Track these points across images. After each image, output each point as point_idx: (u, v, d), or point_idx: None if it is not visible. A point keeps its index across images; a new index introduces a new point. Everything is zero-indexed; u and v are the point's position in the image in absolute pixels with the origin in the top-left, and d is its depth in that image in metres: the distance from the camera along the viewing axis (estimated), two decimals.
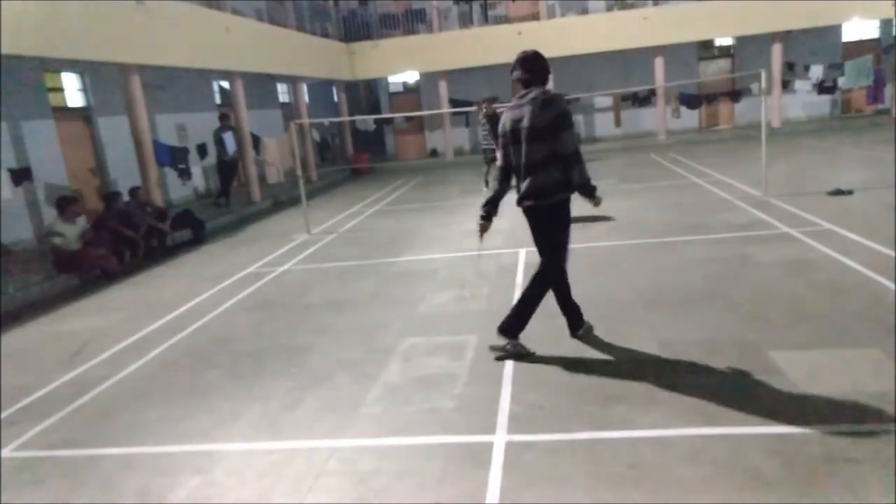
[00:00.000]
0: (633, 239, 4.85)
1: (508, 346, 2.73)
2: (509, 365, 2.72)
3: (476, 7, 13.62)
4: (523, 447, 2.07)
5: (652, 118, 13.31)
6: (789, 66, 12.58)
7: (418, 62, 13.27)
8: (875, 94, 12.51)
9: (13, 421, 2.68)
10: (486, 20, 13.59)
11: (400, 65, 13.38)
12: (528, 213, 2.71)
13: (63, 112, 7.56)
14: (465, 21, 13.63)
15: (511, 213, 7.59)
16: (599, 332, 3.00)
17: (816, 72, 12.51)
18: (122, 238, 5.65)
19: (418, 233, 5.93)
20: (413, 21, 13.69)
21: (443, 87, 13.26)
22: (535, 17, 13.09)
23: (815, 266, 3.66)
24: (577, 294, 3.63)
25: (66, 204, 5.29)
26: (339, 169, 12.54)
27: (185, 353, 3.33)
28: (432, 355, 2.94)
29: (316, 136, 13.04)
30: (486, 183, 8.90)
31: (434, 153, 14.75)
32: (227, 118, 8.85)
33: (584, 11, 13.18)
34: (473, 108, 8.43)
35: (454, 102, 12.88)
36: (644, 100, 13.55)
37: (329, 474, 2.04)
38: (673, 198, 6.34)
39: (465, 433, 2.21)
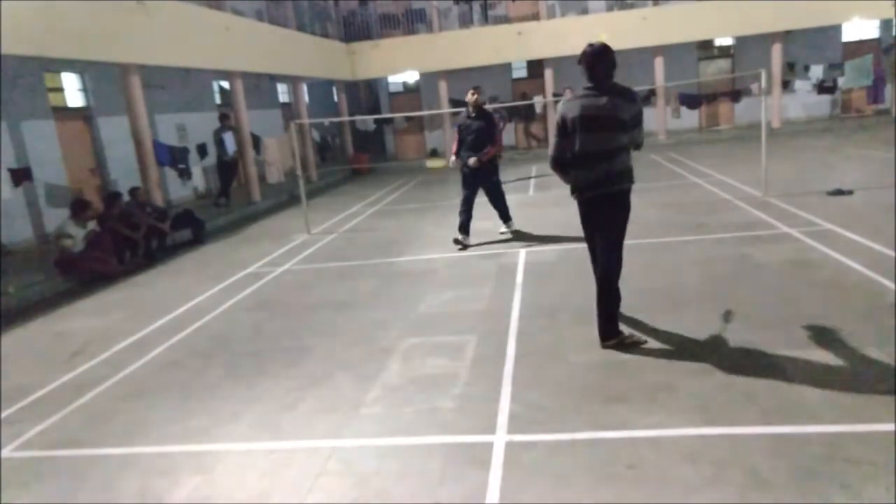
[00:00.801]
0: (632, 239, 4.81)
1: (624, 339, 2.73)
2: (509, 365, 2.72)
3: (476, 7, 13.61)
4: (523, 447, 2.07)
5: (652, 118, 13.27)
6: (789, 66, 12.58)
7: (418, 62, 13.26)
8: (875, 94, 12.50)
9: (13, 421, 2.68)
10: (486, 20, 13.58)
11: (400, 65, 13.37)
12: (595, 200, 2.70)
13: (63, 112, 7.56)
14: (465, 21, 13.62)
15: (511, 213, 7.56)
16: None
17: (816, 72, 12.51)
18: (123, 238, 5.65)
19: (418, 233, 5.93)
20: (413, 21, 13.68)
21: (443, 87, 13.25)
22: (535, 17, 13.08)
23: (815, 266, 3.66)
24: (577, 293, 3.63)
25: (80, 208, 5.31)
26: (339, 169, 12.54)
27: (186, 352, 3.33)
28: (432, 355, 2.94)
29: (316, 136, 13.04)
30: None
31: (434, 153, 14.74)
32: (227, 118, 8.85)
33: (584, 11, 13.17)
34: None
35: (454, 102, 12.88)
36: (644, 100, 13.50)
37: (329, 474, 2.04)
38: (673, 198, 6.34)
39: (464, 433, 2.21)
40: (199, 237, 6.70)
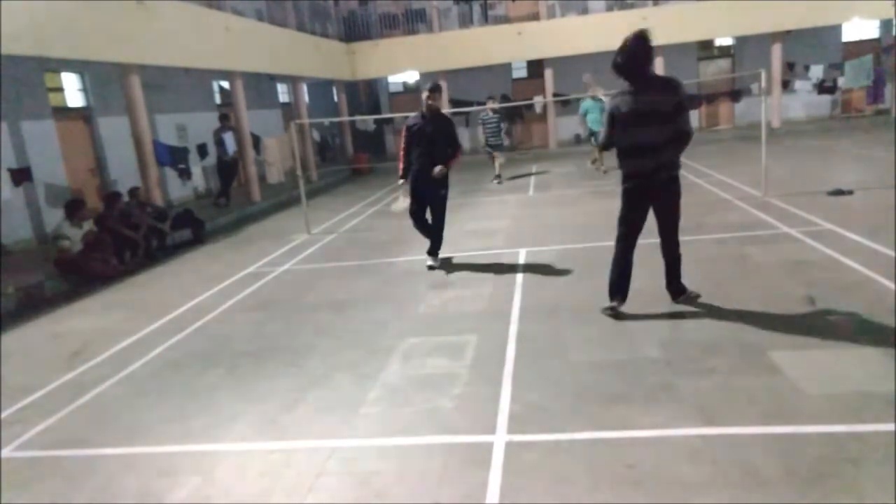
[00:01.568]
0: None
1: (690, 294, 3.22)
2: (509, 365, 2.72)
3: (476, 7, 13.62)
4: (523, 447, 2.07)
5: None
6: (789, 66, 12.58)
7: (418, 62, 13.26)
8: (875, 94, 12.51)
9: (13, 421, 2.68)
10: (486, 20, 13.59)
11: (400, 65, 13.37)
12: (656, 187, 2.99)
13: (63, 112, 7.56)
14: (465, 21, 13.62)
15: (511, 213, 7.58)
16: (599, 331, 3.00)
17: (816, 72, 12.51)
18: (123, 238, 5.65)
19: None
20: (413, 21, 13.69)
21: (443, 87, 13.25)
22: (535, 17, 13.08)
23: (815, 266, 3.66)
24: (577, 293, 3.63)
25: (75, 208, 5.30)
26: (339, 169, 12.54)
27: (186, 353, 3.33)
28: (432, 355, 2.94)
29: (316, 136, 13.04)
30: (498, 178, 8.96)
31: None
32: (227, 118, 8.85)
33: (584, 11, 13.17)
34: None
35: (454, 102, 12.88)
36: None
37: (329, 474, 2.04)
38: None
39: (464, 433, 2.21)
40: (199, 237, 6.70)
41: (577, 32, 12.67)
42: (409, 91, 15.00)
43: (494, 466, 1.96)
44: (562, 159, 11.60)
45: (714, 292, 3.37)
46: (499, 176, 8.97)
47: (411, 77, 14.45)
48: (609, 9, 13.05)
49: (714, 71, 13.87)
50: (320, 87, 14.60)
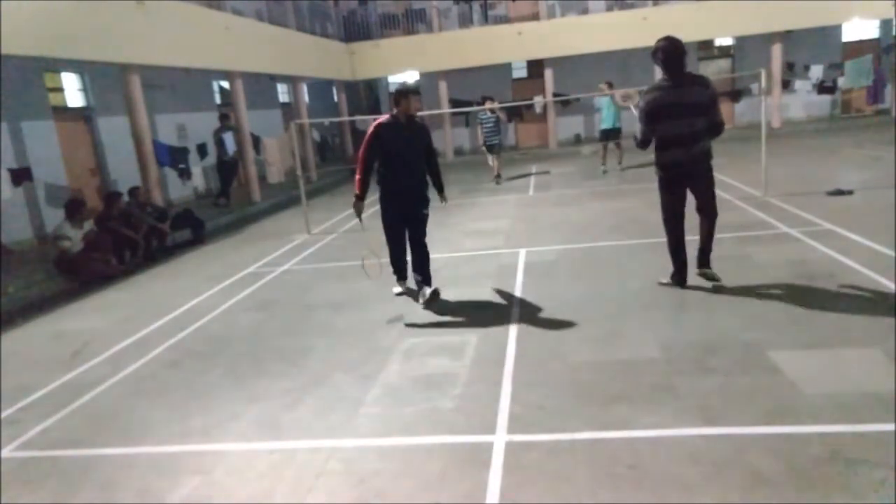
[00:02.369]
0: (632, 239, 4.85)
1: (713, 274, 3.36)
2: (509, 365, 2.72)
3: (476, 7, 13.62)
4: (523, 447, 2.07)
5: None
6: (789, 66, 12.58)
7: (418, 62, 13.26)
8: (875, 94, 12.50)
9: (13, 420, 2.68)
10: (486, 20, 13.59)
11: (400, 65, 13.37)
12: (694, 173, 3.25)
13: (63, 112, 7.56)
14: (465, 21, 13.63)
15: (511, 213, 7.56)
16: (599, 331, 3.00)
17: (816, 72, 12.51)
18: (123, 238, 5.65)
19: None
20: (413, 21, 13.69)
21: (443, 87, 13.26)
22: (535, 16, 13.09)
23: (815, 266, 3.66)
24: (577, 293, 3.64)
25: (75, 208, 5.30)
26: (339, 169, 12.54)
27: (186, 353, 3.33)
28: (432, 355, 2.94)
29: (316, 136, 13.04)
30: (497, 178, 8.95)
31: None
32: (227, 118, 8.85)
33: (584, 11, 13.18)
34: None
35: (454, 102, 12.88)
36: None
37: (329, 474, 2.04)
38: None
39: (465, 433, 2.21)
40: (200, 237, 6.70)
41: (577, 32, 12.67)
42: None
43: (495, 466, 1.96)
44: (562, 159, 11.59)
45: (714, 292, 3.37)
46: (498, 176, 8.96)
47: (411, 77, 14.45)
48: (609, 9, 13.06)
49: (714, 71, 13.87)
50: (320, 87, 14.60)
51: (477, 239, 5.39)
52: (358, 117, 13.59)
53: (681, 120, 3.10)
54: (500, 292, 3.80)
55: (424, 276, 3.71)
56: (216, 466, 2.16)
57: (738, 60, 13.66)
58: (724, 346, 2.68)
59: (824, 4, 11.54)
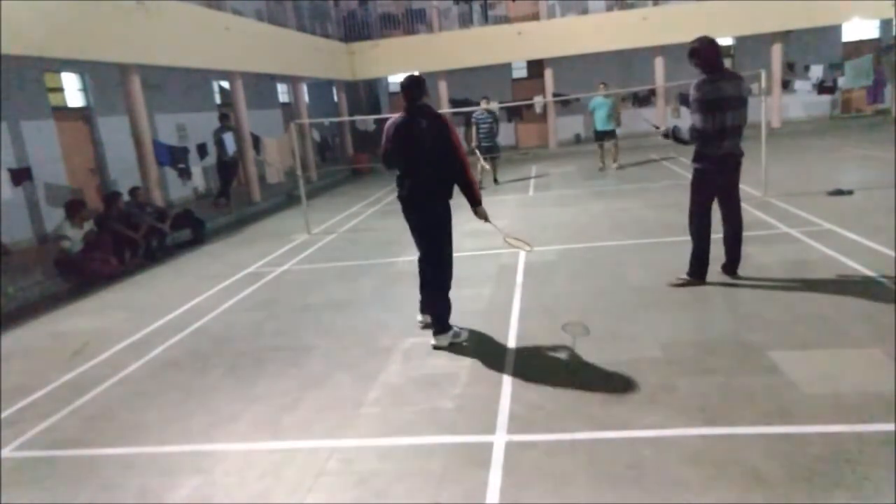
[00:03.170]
0: (632, 239, 4.85)
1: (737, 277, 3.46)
2: (509, 365, 2.72)
3: (476, 7, 13.62)
4: (523, 447, 2.07)
5: (651, 118, 13.31)
6: (789, 66, 12.58)
7: (418, 62, 13.24)
8: (875, 93, 12.51)
9: (13, 421, 2.68)
10: (486, 20, 13.59)
11: (400, 65, 13.36)
12: (734, 165, 3.37)
13: (63, 112, 7.57)
14: (465, 21, 13.63)
15: (511, 213, 7.57)
16: (599, 331, 3.00)
17: (816, 72, 12.51)
18: (123, 238, 5.65)
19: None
20: (413, 21, 13.69)
21: (443, 87, 13.26)
22: (535, 17, 13.09)
23: (815, 266, 3.67)
24: (577, 293, 3.64)
25: (75, 208, 5.30)
26: (339, 169, 12.54)
27: (186, 353, 3.33)
28: (432, 355, 2.94)
29: (316, 136, 13.04)
30: (494, 181, 8.90)
31: None
32: (227, 118, 8.85)
33: (584, 11, 13.18)
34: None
35: (454, 102, 12.88)
36: (644, 100, 13.54)
37: (329, 474, 2.04)
38: (673, 198, 6.32)
39: (464, 433, 2.21)
40: (200, 237, 6.70)
41: (577, 32, 12.67)
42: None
43: (495, 466, 1.96)
44: (562, 159, 11.60)
45: (714, 292, 3.37)
46: (495, 180, 8.86)
47: (416, 71, 14.41)
48: (609, 9, 13.06)
49: None
50: (320, 87, 14.60)
51: (477, 239, 5.40)
52: (358, 117, 13.60)
53: (733, 111, 3.22)
54: (500, 292, 3.80)
55: (439, 317, 2.98)
56: (216, 466, 2.16)
57: (738, 60, 13.66)
58: (724, 346, 2.68)
59: (824, 4, 11.54)
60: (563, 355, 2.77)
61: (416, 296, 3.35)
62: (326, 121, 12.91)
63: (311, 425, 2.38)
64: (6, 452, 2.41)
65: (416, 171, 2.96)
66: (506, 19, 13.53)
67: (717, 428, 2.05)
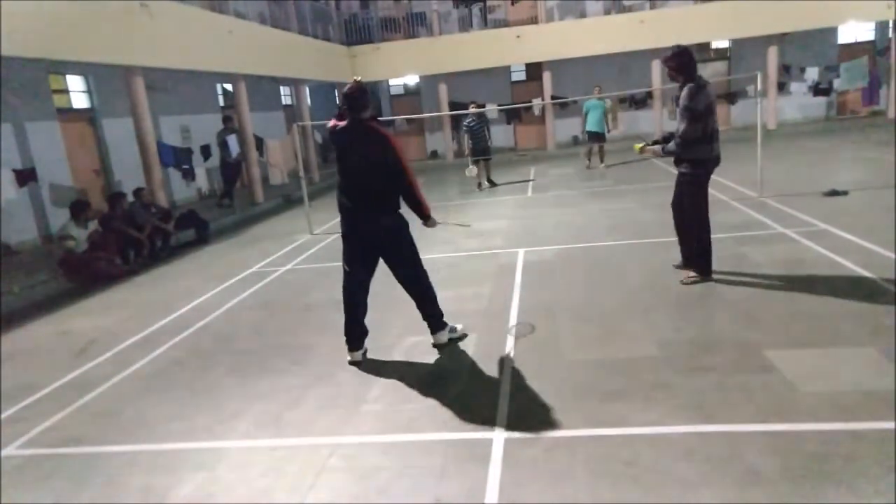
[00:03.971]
0: (629, 239, 4.88)
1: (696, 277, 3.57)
2: (508, 363, 2.75)
3: (476, 11, 13.70)
4: (522, 444, 2.09)
5: (649, 120, 13.37)
6: (785, 69, 12.65)
7: (419, 65, 13.33)
8: (870, 95, 12.57)
9: (18, 419, 2.70)
10: (485, 24, 13.66)
11: (400, 67, 13.45)
12: (712, 170, 3.52)
13: (68, 113, 7.61)
14: (465, 25, 13.70)
15: (510, 214, 7.58)
16: (597, 330, 3.03)
17: (812, 74, 12.58)
18: (127, 238, 5.69)
19: (418, 233, 5.94)
20: (413, 24, 13.76)
21: (443, 89, 13.32)
22: (533, 20, 13.15)
23: (811, 265, 3.69)
24: (575, 292, 3.67)
25: (79, 208, 5.34)
26: None
27: (189, 351, 3.36)
28: (432, 353, 2.97)
29: (318, 137, 13.10)
30: (492, 183, 8.92)
31: (434, 155, 14.82)
32: (230, 120, 8.90)
33: (582, 15, 13.25)
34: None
35: (454, 105, 12.93)
36: (641, 102, 13.61)
37: (331, 470, 2.07)
38: (669, 198, 6.38)
39: (465, 430, 2.23)
40: (203, 237, 6.73)
41: (576, 35, 12.74)
42: (410, 93, 15.08)
43: (494, 463, 1.99)
44: (560, 161, 11.62)
45: (710, 292, 3.40)
46: (490, 182, 8.77)
47: (412, 80, 14.53)
48: (607, 11, 13.13)
49: (710, 73, 13.91)
50: (322, 90, 14.67)
51: (476, 239, 5.43)
52: None
53: (714, 115, 3.38)
54: (499, 291, 3.83)
55: (430, 312, 2.94)
56: (219, 463, 2.18)
57: (734, 63, 13.72)
58: (721, 344, 2.70)
59: (820, 7, 11.60)
60: (561, 353, 2.79)
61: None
62: (328, 123, 12.95)
63: (313, 423, 2.41)
64: (11, 450, 2.44)
65: (360, 183, 2.76)
66: (505, 23, 13.59)
67: (713, 425, 2.07)
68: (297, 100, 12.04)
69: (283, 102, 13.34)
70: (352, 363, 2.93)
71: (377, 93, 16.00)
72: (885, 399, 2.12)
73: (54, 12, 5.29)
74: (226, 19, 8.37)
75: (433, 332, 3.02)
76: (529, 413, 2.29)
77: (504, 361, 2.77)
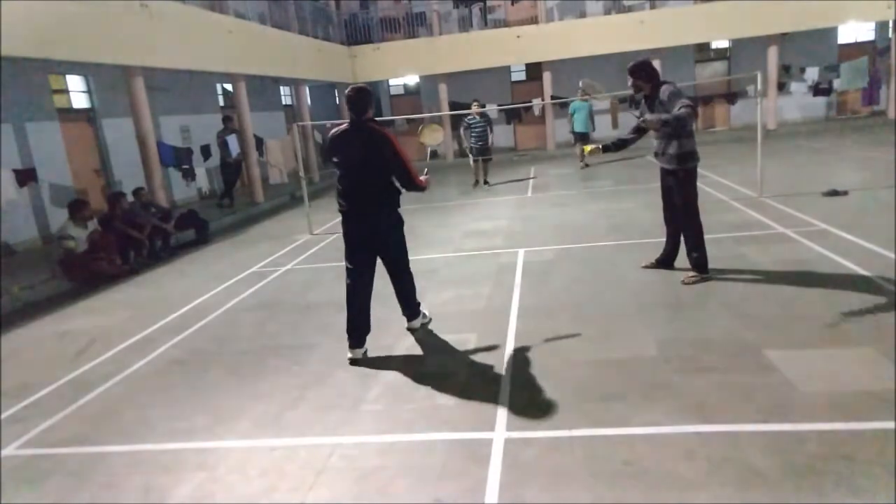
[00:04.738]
0: (629, 239, 4.89)
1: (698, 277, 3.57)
2: (508, 363, 2.75)
3: (476, 11, 13.71)
4: (522, 444, 2.09)
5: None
6: (785, 69, 12.65)
7: (419, 65, 13.34)
8: (870, 95, 12.58)
9: (18, 419, 2.71)
10: (485, 24, 13.67)
11: (401, 67, 13.45)
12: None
13: (68, 113, 7.61)
14: (465, 25, 13.71)
15: (510, 214, 7.61)
16: (596, 330, 3.03)
17: (812, 74, 12.58)
18: (127, 238, 5.69)
19: (418, 233, 5.94)
20: (413, 24, 13.76)
21: (443, 89, 13.33)
22: (533, 20, 13.16)
23: (810, 265, 3.70)
24: (575, 292, 3.67)
25: (78, 208, 5.34)
26: None
27: (189, 351, 3.37)
28: (432, 353, 2.97)
29: (318, 137, 13.11)
30: (486, 183, 8.94)
31: (434, 155, 14.81)
32: (230, 120, 8.91)
33: (582, 15, 13.26)
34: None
35: (454, 105, 12.94)
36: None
37: (331, 470, 2.07)
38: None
39: (464, 430, 2.23)
40: (203, 237, 6.74)
41: (575, 36, 12.75)
42: (410, 93, 15.09)
43: (494, 462, 1.99)
44: (560, 161, 11.65)
45: (710, 292, 3.41)
46: (486, 181, 8.78)
47: (412, 80, 14.53)
48: (607, 12, 13.14)
49: (710, 73, 13.95)
50: (322, 90, 14.67)
51: (476, 239, 5.43)
52: None
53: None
54: (499, 291, 3.83)
55: (408, 304, 3.14)
56: (219, 464, 2.18)
57: (734, 63, 13.73)
58: (721, 344, 2.71)
59: (820, 7, 11.61)
60: (561, 353, 2.80)
61: (416, 294, 3.33)
62: (328, 123, 12.96)
63: (313, 423, 2.41)
64: (10, 450, 2.44)
65: (362, 183, 2.84)
66: (505, 23, 13.61)
67: (713, 425, 2.07)
68: (297, 100, 12.06)
69: (283, 102, 13.35)
70: (352, 361, 2.96)
71: (377, 92, 16.01)
72: (885, 399, 2.12)
73: (54, 12, 5.30)
74: (226, 19, 8.38)
75: (410, 319, 3.25)
76: (529, 413, 2.29)
77: (504, 361, 2.77)
